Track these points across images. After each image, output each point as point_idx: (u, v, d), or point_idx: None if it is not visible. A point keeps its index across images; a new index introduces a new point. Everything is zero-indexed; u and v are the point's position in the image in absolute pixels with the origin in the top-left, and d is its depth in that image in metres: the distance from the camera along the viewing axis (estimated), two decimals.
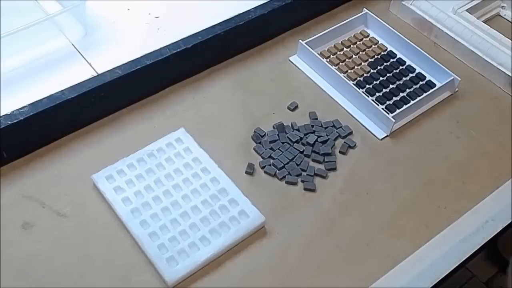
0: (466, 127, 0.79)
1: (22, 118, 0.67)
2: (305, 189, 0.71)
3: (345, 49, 0.87)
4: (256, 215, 0.66)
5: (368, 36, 0.89)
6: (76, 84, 0.72)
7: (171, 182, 0.69)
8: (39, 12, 0.85)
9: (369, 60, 0.86)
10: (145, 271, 0.62)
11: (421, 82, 0.83)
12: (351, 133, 0.77)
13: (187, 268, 0.62)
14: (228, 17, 0.82)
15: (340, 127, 0.77)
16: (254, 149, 0.74)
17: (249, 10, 0.83)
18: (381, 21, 0.88)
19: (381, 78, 0.83)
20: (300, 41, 0.84)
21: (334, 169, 0.73)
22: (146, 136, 0.74)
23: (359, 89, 0.80)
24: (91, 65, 0.80)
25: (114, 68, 0.74)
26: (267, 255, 0.65)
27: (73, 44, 0.83)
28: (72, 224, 0.66)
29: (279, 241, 0.66)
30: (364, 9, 0.89)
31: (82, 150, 0.73)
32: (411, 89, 0.82)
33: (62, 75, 0.78)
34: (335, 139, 0.76)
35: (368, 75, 0.83)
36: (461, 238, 0.68)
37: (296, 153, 0.73)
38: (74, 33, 0.85)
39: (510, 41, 0.85)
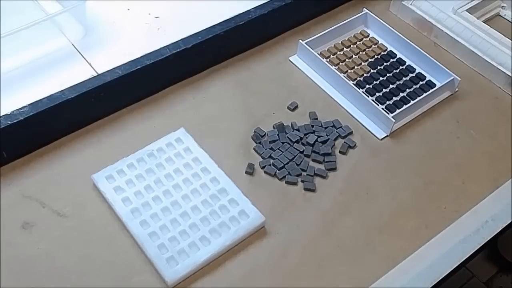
0: (466, 127, 0.79)
1: (22, 118, 0.67)
2: (305, 189, 0.71)
3: (345, 49, 0.87)
4: (256, 215, 0.66)
5: (368, 36, 0.89)
6: (76, 84, 0.72)
7: (171, 182, 0.69)
8: (39, 12, 0.85)
9: (369, 60, 0.86)
10: (145, 271, 0.62)
11: (421, 82, 0.83)
12: (351, 133, 0.77)
13: (187, 268, 0.62)
14: (228, 17, 0.82)
15: (340, 127, 0.77)
16: (254, 149, 0.74)
17: (249, 10, 0.83)
18: (381, 21, 0.88)
19: (381, 78, 0.83)
20: (300, 41, 0.84)
21: (334, 169, 0.73)
22: (146, 136, 0.74)
23: (359, 89, 0.80)
24: (91, 65, 0.80)
25: (114, 68, 0.74)
26: (267, 255, 0.65)
27: (73, 44, 0.83)
28: (72, 224, 0.66)
29: (279, 241, 0.66)
30: (364, 9, 0.89)
31: (82, 150, 0.73)
32: (411, 89, 0.82)
33: (62, 75, 0.78)
34: (335, 139, 0.76)
35: (368, 75, 0.83)
36: (461, 238, 0.68)
37: (296, 153, 0.73)
38: (74, 33, 0.85)
39: (510, 41, 0.85)
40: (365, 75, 0.84)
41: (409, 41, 0.85)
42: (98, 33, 0.86)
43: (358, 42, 0.88)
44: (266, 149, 0.74)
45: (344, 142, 0.76)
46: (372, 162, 0.74)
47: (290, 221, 0.68)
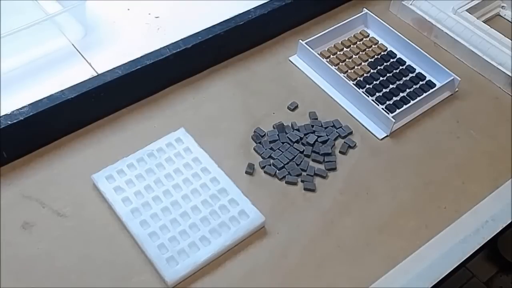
0: (466, 127, 0.79)
1: (22, 118, 0.67)
2: (305, 189, 0.71)
3: (345, 49, 0.87)
4: (256, 215, 0.66)
5: (368, 36, 0.89)
6: (76, 84, 0.72)
7: (171, 182, 0.69)
8: (39, 12, 0.85)
9: (369, 60, 0.86)
10: (145, 271, 0.62)
11: (421, 82, 0.83)
12: (351, 133, 0.77)
13: (187, 268, 0.62)
14: (228, 17, 0.82)
15: (340, 127, 0.77)
16: (254, 149, 0.74)
17: (249, 10, 0.83)
18: (381, 21, 0.88)
19: (381, 78, 0.83)
20: (300, 41, 0.84)
21: (334, 169, 0.73)
22: (146, 136, 0.74)
23: (359, 89, 0.80)
24: (91, 65, 0.80)
25: (114, 68, 0.74)
26: (267, 255, 0.65)
27: (73, 44, 0.83)
28: (72, 224, 0.66)
29: (279, 241, 0.66)
30: (364, 9, 0.89)
31: (82, 150, 0.73)
32: (411, 89, 0.82)
33: (62, 75, 0.78)
34: (335, 139, 0.76)
35: (368, 75, 0.83)
36: (461, 238, 0.68)
37: (296, 153, 0.73)
38: (74, 33, 0.85)
39: (510, 41, 0.85)
40: (365, 75, 0.84)
41: (409, 41, 0.85)
42: (98, 33, 0.86)
43: (358, 42, 0.88)
44: (266, 149, 0.74)
45: (344, 142, 0.76)
46: (372, 162, 0.74)
47: (290, 221, 0.68)
